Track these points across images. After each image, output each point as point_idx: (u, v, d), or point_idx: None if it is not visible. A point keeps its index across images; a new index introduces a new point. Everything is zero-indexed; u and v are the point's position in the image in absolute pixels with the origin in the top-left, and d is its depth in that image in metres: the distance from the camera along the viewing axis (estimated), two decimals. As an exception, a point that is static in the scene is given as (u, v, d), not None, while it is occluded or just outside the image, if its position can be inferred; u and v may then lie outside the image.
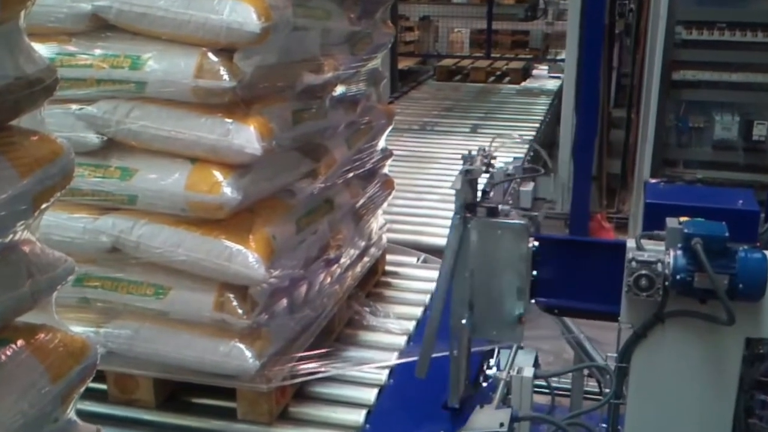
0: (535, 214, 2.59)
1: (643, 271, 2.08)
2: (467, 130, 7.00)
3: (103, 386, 2.59)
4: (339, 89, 2.83)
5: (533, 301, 2.35)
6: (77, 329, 2.44)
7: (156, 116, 2.29)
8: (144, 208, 2.35)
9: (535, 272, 2.32)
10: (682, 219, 2.10)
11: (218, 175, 2.27)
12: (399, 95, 8.54)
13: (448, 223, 4.54)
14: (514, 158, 5.85)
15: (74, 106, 2.35)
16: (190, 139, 2.26)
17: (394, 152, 6.05)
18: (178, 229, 2.34)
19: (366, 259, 3.23)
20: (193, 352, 2.41)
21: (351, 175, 2.98)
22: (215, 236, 2.32)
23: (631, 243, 2.18)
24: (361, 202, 3.12)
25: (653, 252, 2.10)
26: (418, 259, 3.92)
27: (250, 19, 2.14)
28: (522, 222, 2.31)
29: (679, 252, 2.03)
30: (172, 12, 2.19)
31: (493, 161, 2.49)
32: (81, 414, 2.59)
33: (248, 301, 2.36)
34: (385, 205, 3.51)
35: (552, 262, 2.35)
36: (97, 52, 2.29)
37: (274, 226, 2.44)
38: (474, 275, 2.35)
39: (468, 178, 2.34)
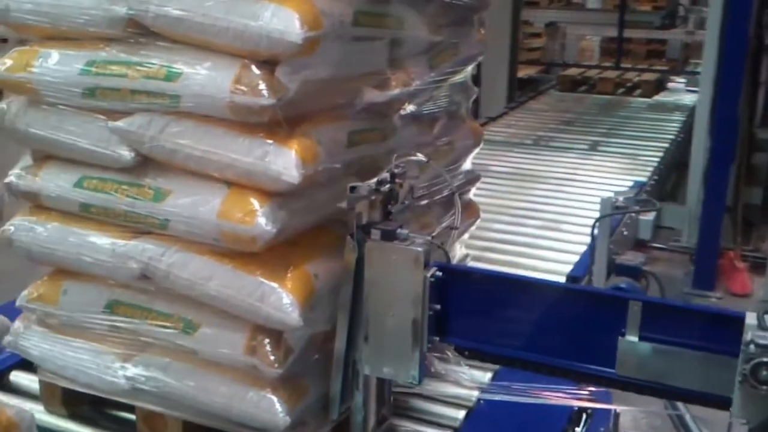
0: (440, 242, 2.22)
1: (765, 359, 1.68)
2: (585, 147, 6.50)
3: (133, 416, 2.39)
4: (412, 106, 2.50)
5: (437, 338, 2.09)
6: (103, 358, 2.32)
7: (192, 134, 2.04)
8: (176, 234, 2.11)
9: (438, 306, 2.05)
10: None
11: (255, 202, 2.00)
12: (515, 106, 8.11)
13: (546, 253, 4.19)
14: (634, 183, 5.38)
15: (108, 119, 2.13)
16: (226, 162, 2.00)
17: (499, 169, 5.75)
18: (210, 260, 2.09)
19: (440, 296, 2.88)
20: (220, 398, 2.16)
21: (423, 202, 2.64)
22: (249, 271, 2.06)
23: (751, 319, 1.77)
24: (435, 232, 2.77)
25: None
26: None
27: (292, 28, 1.86)
28: (416, 249, 2.00)
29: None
30: (210, 18, 1.93)
31: (400, 179, 2.15)
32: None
33: (282, 346, 2.08)
34: (466, 235, 3.16)
35: (461, 296, 2.09)
36: (133, 60, 2.07)
37: (317, 263, 2.15)
38: (369, 304, 2.07)
39: (354, 195, 2.02)
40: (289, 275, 2.06)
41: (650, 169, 5.77)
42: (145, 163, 2.14)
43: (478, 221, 3.24)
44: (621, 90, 9.12)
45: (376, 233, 2.07)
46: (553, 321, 2.08)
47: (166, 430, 2.31)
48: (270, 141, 1.98)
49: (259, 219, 1.98)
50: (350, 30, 2.10)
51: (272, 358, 2.07)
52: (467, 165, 3.09)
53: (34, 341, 2.38)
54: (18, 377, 2.65)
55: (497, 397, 2.58)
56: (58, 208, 2.27)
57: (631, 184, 5.27)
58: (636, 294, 2.08)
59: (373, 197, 2.11)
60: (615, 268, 4.09)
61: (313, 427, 2.21)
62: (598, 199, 3.99)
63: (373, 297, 2.10)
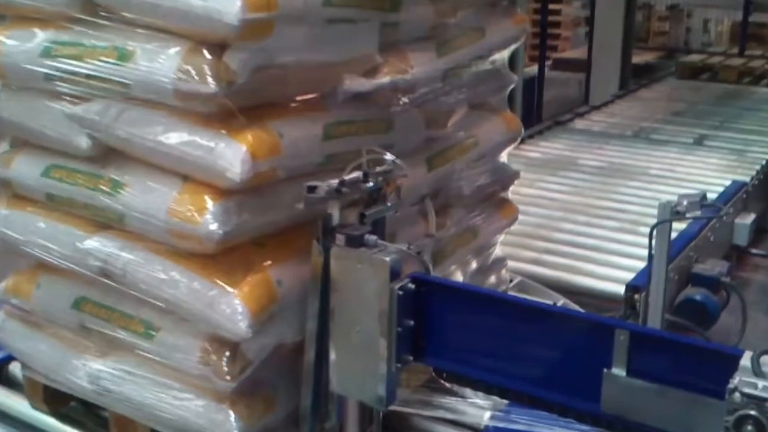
0: (417, 250, 1.94)
1: (751, 411, 1.41)
2: (690, 141, 5.96)
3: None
4: (416, 96, 2.23)
5: (411, 358, 1.87)
6: (70, 356, 2.22)
7: (144, 123, 1.88)
8: (132, 230, 1.97)
9: (412, 322, 1.83)
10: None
11: (206, 200, 1.83)
12: (624, 94, 7.58)
13: (613, 259, 3.81)
14: (732, 182, 4.86)
15: (68, 104, 2.00)
16: (176, 154, 1.84)
17: (588, 162, 5.35)
18: (165, 261, 1.94)
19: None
20: (178, 410, 2.01)
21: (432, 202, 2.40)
22: (204, 275, 1.90)
23: (746, 360, 1.50)
24: (449, 234, 2.51)
25: None
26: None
27: (230, 8, 1.66)
28: (382, 257, 1.78)
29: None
30: (157, -5, 1.77)
31: (373, 178, 1.91)
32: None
33: (238, 358, 1.91)
34: (501, 236, 2.88)
35: (438, 312, 1.87)
36: (88, 42, 1.93)
37: (284, 268, 1.96)
38: (334, 316, 1.87)
39: (312, 196, 1.80)
40: (246, 281, 1.89)
41: (757, 167, 5.21)
42: (108, 154, 2.01)
43: (516, 223, 2.95)
44: (747, 79, 8.37)
45: (341, 238, 1.86)
46: (536, 346, 1.83)
47: (136, 434, 2.20)
48: (222, 133, 1.80)
49: (206, 218, 1.81)
50: (320, 11, 1.88)
51: (225, 369, 1.90)
52: (502, 160, 2.81)
53: (12, 333, 2.32)
54: (16, 368, 2.59)
55: (508, 425, 2.34)
56: (29, 197, 2.18)
57: (729, 183, 4.77)
58: (623, 322, 1.78)
59: (351, 198, 1.91)
60: (691, 278, 3.69)
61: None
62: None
63: (338, 309, 1.90)
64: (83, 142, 1.99)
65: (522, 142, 5.65)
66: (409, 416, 2.40)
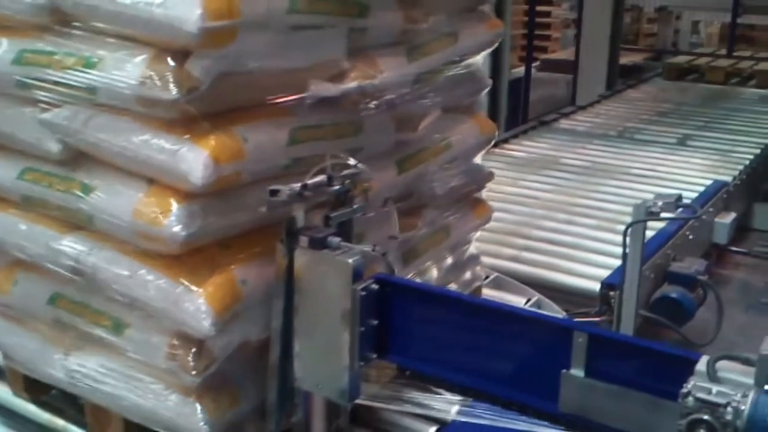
0: (382, 251, 1.98)
1: (704, 416, 1.46)
2: (673, 141, 6.00)
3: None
4: (386, 101, 2.27)
5: (375, 355, 1.96)
6: (47, 349, 2.26)
7: (111, 128, 1.94)
8: (101, 231, 2.03)
9: (376, 321, 1.91)
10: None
11: (170, 202, 1.88)
12: (610, 94, 7.62)
13: (591, 256, 3.86)
14: (714, 182, 4.91)
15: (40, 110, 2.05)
16: (141, 158, 1.90)
17: (571, 162, 5.40)
18: (132, 261, 2.00)
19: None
20: (147, 402, 2.07)
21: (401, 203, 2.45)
22: (169, 274, 1.95)
23: (702, 365, 1.53)
24: (421, 233, 2.56)
25: (727, 389, 1.46)
26: (527, 302, 3.27)
27: (190, 16, 1.71)
28: (344, 259, 1.84)
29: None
30: (120, 5, 1.81)
31: (335, 180, 1.97)
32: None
33: (204, 354, 1.96)
34: (476, 234, 2.93)
35: (401, 312, 1.94)
36: (56, 50, 1.99)
37: (249, 268, 2.01)
38: (298, 315, 1.94)
39: (275, 200, 1.85)
40: (210, 280, 1.94)
41: (740, 167, 5.24)
42: (79, 158, 2.07)
43: (490, 222, 3.01)
44: (734, 80, 8.40)
45: (304, 240, 1.91)
46: (496, 346, 1.89)
47: (110, 424, 2.25)
48: (185, 138, 1.86)
49: (170, 220, 1.86)
50: (285, 18, 1.93)
51: (191, 364, 1.96)
52: (476, 161, 2.86)
53: (-8, 323, 2.38)
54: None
55: (474, 419, 2.38)
56: (6, 198, 2.24)
57: (711, 183, 4.82)
58: (581, 324, 1.84)
59: (316, 200, 1.96)
60: (667, 276, 3.73)
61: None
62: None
63: (302, 308, 1.95)
64: (54, 147, 2.04)
65: (506, 141, 5.78)
66: (378, 410, 2.45)
